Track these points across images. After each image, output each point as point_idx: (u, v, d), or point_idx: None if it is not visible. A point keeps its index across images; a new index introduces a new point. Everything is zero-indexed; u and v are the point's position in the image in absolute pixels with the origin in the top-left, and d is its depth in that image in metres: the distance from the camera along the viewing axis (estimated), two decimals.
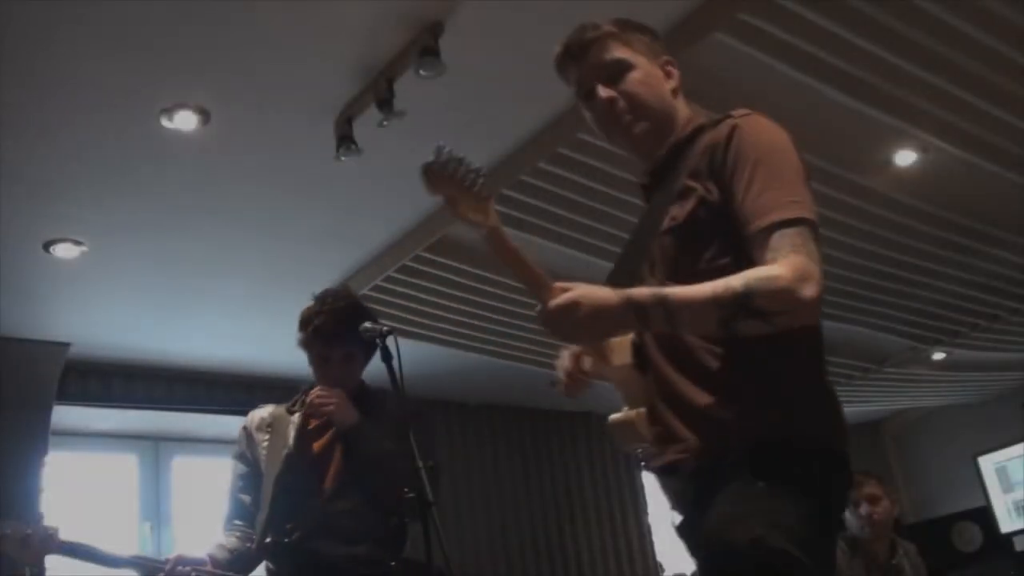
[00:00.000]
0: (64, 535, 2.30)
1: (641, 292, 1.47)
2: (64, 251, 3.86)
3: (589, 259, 4.21)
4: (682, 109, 1.69)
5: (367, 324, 2.48)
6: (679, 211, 1.58)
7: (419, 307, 4.59)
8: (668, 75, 1.70)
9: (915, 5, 2.84)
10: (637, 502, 7.02)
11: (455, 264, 4.23)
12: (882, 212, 4.04)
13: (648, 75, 1.67)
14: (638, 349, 1.67)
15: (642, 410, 1.69)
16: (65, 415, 4.77)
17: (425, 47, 2.80)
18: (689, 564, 6.13)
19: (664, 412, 1.59)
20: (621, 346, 1.71)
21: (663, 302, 1.44)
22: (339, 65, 2.96)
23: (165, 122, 3.10)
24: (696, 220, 1.55)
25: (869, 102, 3.23)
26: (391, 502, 2.38)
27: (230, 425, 5.49)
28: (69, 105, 2.98)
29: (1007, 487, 7.37)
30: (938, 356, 6.13)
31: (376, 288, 4.38)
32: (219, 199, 3.66)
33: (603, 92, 1.66)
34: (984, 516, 7.39)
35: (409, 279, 4.33)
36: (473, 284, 4.41)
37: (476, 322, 4.80)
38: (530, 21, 2.85)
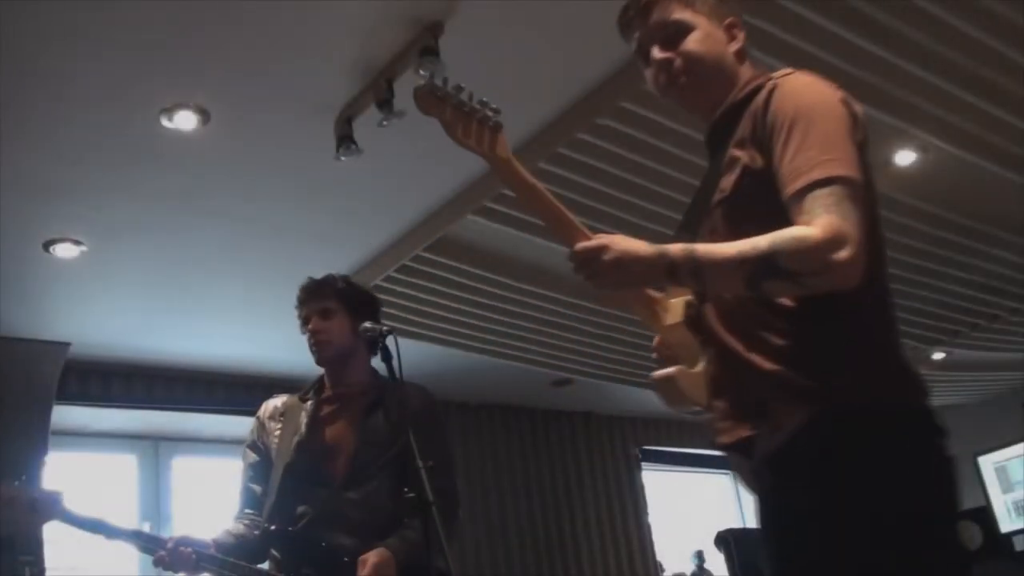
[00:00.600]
0: (68, 502, 2.30)
1: (674, 247, 1.45)
2: (64, 251, 3.86)
3: None
4: (745, 72, 1.63)
5: (367, 324, 2.49)
6: (726, 182, 1.55)
7: (419, 307, 4.59)
8: (732, 37, 1.65)
9: (915, 5, 2.84)
10: (637, 502, 7.02)
11: (455, 264, 4.23)
12: (882, 212, 4.04)
13: (708, 36, 1.63)
14: (693, 311, 1.62)
15: (685, 368, 1.64)
16: (65, 415, 4.77)
17: (425, 47, 2.80)
18: (688, 564, 6.11)
19: (729, 384, 1.54)
20: (673, 307, 1.66)
21: (692, 257, 1.42)
22: (339, 65, 2.96)
23: (165, 122, 3.10)
24: (742, 191, 1.52)
25: (869, 102, 3.21)
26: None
27: (230, 425, 5.50)
28: (69, 105, 2.98)
29: (1007, 487, 7.38)
30: (938, 356, 6.13)
31: (376, 288, 4.37)
32: (218, 199, 3.66)
33: (659, 54, 1.64)
34: (984, 516, 7.38)
35: (409, 279, 4.33)
36: (473, 284, 4.41)
37: (476, 322, 4.81)
38: (529, 20, 2.85)
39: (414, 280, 4.34)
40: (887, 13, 2.84)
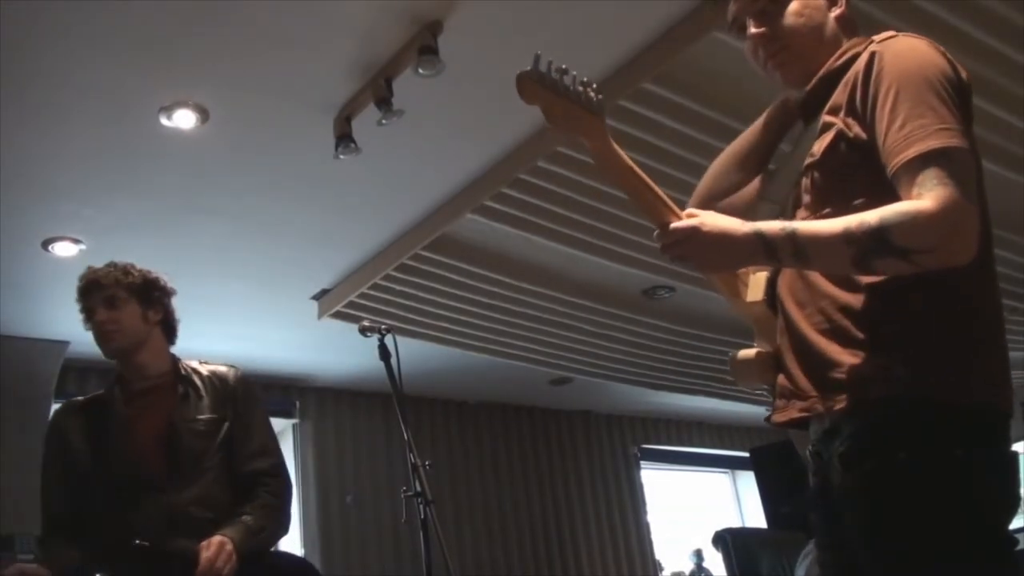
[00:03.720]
0: None
1: (771, 226, 1.39)
2: (63, 249, 3.86)
3: (588, 257, 4.21)
4: (848, 36, 1.56)
5: (366, 322, 2.49)
6: (818, 147, 1.47)
7: (418, 305, 4.59)
8: (834, 2, 1.58)
9: (915, 5, 2.84)
10: (636, 500, 7.03)
11: (454, 263, 4.23)
12: None
13: (806, 6, 1.55)
14: (773, 287, 1.58)
15: (763, 350, 1.59)
16: None
17: (424, 46, 2.80)
18: (687, 563, 6.10)
19: (791, 364, 1.49)
20: (755, 282, 1.62)
21: (792, 237, 1.35)
22: (338, 64, 2.95)
23: (164, 120, 3.10)
24: (834, 156, 1.44)
25: None
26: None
27: None
28: (68, 104, 2.97)
29: None
30: None
31: (375, 286, 4.38)
32: (217, 197, 3.66)
33: (754, 28, 1.58)
34: None
35: (408, 277, 4.33)
36: (472, 282, 4.41)
37: (475, 320, 4.80)
38: (529, 19, 2.85)
39: (413, 279, 4.34)
40: (887, 13, 2.84)
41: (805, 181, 1.50)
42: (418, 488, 2.35)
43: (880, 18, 2.86)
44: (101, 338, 2.36)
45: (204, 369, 2.46)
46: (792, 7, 1.56)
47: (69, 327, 4.56)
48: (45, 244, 3.80)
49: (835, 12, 1.57)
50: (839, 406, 1.40)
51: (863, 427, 1.37)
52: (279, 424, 5.45)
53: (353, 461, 5.82)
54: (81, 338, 4.61)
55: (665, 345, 5.44)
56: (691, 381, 6.13)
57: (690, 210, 1.48)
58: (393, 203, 3.85)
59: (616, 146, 1.57)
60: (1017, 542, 1.38)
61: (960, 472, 1.31)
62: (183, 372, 2.40)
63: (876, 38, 1.48)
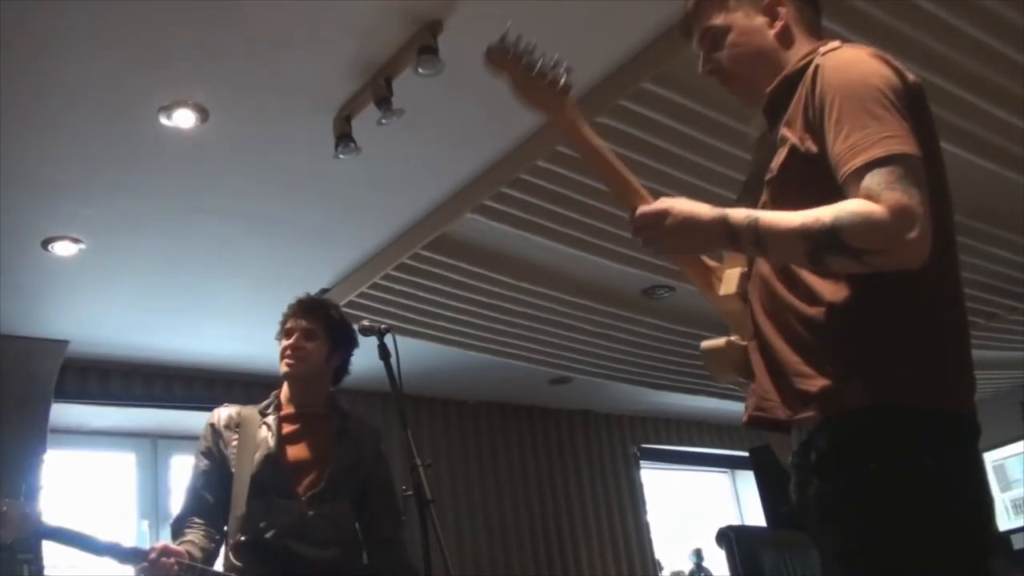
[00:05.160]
0: (48, 519, 2.30)
1: (737, 213, 1.43)
2: (62, 249, 3.86)
3: (589, 257, 4.21)
4: (799, 48, 1.59)
5: (366, 322, 2.50)
6: (775, 162, 1.52)
7: (418, 305, 4.59)
8: (773, 17, 1.62)
9: (915, 5, 2.83)
10: (636, 500, 7.02)
11: (454, 262, 4.23)
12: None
13: (742, 33, 1.62)
14: (746, 283, 1.62)
15: (733, 339, 1.64)
16: (63, 413, 4.77)
17: (424, 45, 2.80)
18: (686, 562, 6.10)
19: (759, 367, 1.54)
20: (729, 277, 1.66)
21: (754, 226, 1.41)
22: (338, 63, 2.95)
23: (163, 120, 3.10)
24: (788, 171, 1.49)
25: None
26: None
27: None
28: (67, 103, 2.97)
29: (1005, 485, 7.38)
30: None
31: (375, 286, 4.38)
32: (217, 197, 3.65)
33: (703, 65, 1.68)
34: None
35: (408, 277, 4.33)
36: (472, 282, 4.41)
37: (475, 320, 4.80)
38: (529, 19, 2.85)
39: (413, 278, 4.34)
40: (887, 13, 2.84)
41: (765, 196, 1.53)
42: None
43: (880, 18, 2.86)
44: (289, 365, 2.66)
45: (358, 419, 2.81)
46: (729, 38, 1.63)
47: (69, 326, 4.58)
48: (45, 243, 3.80)
49: (775, 29, 1.61)
50: (808, 418, 1.43)
51: (833, 440, 1.40)
52: None
53: None
54: (80, 337, 4.65)
55: (665, 345, 5.44)
56: (691, 381, 6.13)
57: (664, 197, 1.52)
58: (393, 202, 3.85)
59: (584, 127, 1.60)
60: (994, 547, 1.39)
61: (929, 481, 1.33)
62: (341, 407, 2.74)
63: (822, 49, 1.52)
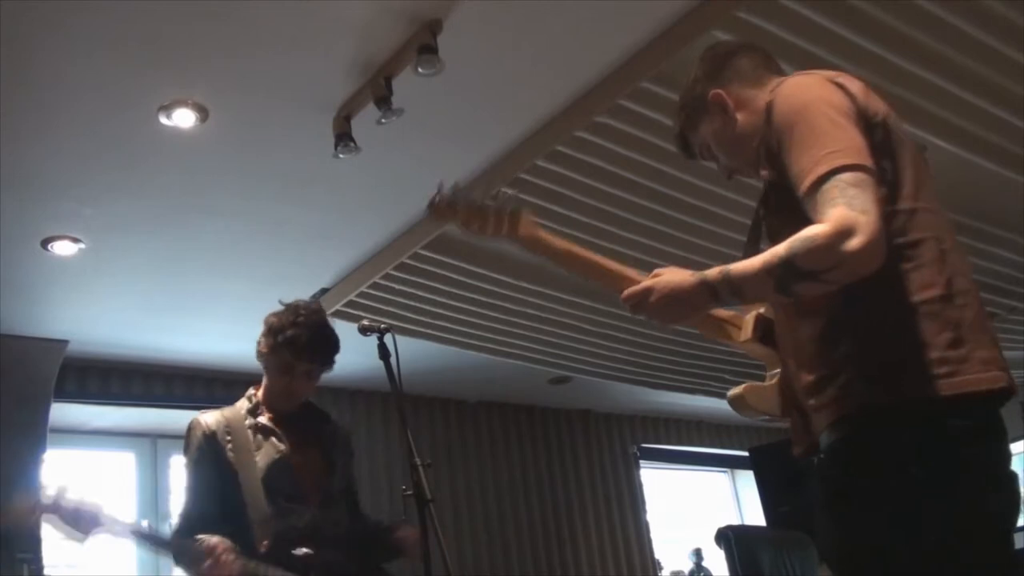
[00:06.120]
0: (107, 511, 2.35)
1: (712, 271, 1.52)
2: (62, 248, 3.85)
3: None
4: (754, 115, 1.67)
5: (365, 322, 2.51)
6: (763, 206, 1.63)
7: (417, 304, 4.59)
8: (721, 108, 1.72)
9: (915, 5, 2.83)
10: (636, 499, 7.02)
11: (453, 262, 4.23)
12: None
13: (716, 137, 1.75)
14: (762, 325, 1.71)
15: (754, 384, 1.74)
16: (63, 412, 4.77)
17: (423, 45, 2.80)
18: (686, 562, 6.11)
19: (791, 398, 1.62)
20: (746, 322, 1.75)
21: (727, 277, 1.49)
22: (337, 63, 2.95)
23: (163, 119, 3.10)
24: (773, 207, 1.58)
25: None
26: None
27: None
28: (67, 102, 2.97)
29: None
30: None
31: (374, 286, 4.38)
32: (217, 196, 3.65)
33: (723, 174, 1.83)
34: None
35: (407, 276, 4.33)
36: (471, 281, 4.41)
37: (474, 319, 4.80)
38: (528, 19, 2.85)
39: (412, 278, 4.34)
40: (887, 13, 2.84)
41: (765, 235, 1.63)
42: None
43: (880, 18, 2.86)
44: (291, 398, 2.66)
45: (324, 414, 2.82)
46: (714, 149, 1.76)
47: (68, 326, 4.58)
48: (44, 243, 3.80)
49: (728, 113, 1.71)
50: (820, 429, 1.52)
51: (832, 446, 1.48)
52: None
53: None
54: (80, 337, 4.65)
55: (665, 345, 5.44)
56: (691, 381, 6.13)
57: (658, 270, 1.63)
58: (392, 202, 3.84)
59: (546, 237, 1.73)
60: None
61: (918, 485, 1.37)
62: (315, 405, 2.76)
63: (771, 87, 1.61)
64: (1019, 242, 4.45)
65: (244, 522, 2.46)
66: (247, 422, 2.61)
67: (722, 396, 7.09)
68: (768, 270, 1.43)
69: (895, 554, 1.36)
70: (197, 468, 2.58)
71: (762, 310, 1.72)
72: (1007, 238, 4.40)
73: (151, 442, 5.43)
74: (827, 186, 1.39)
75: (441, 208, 1.69)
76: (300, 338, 2.57)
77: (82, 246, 3.86)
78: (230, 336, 4.95)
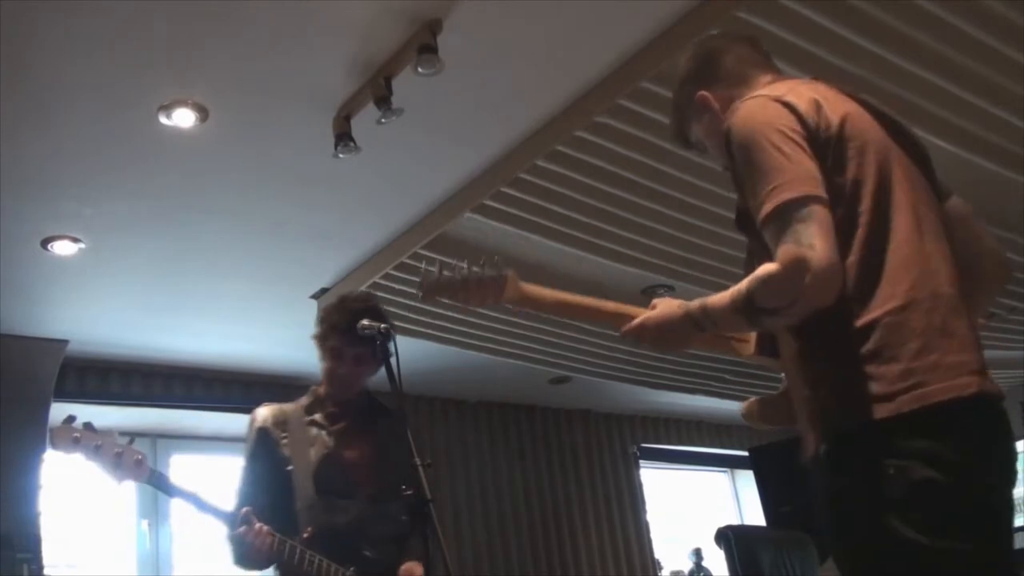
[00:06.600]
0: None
1: (693, 304, 1.58)
2: (62, 248, 3.85)
3: (588, 256, 4.21)
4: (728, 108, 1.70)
5: (365, 321, 2.50)
6: (740, 228, 1.66)
7: (417, 304, 4.59)
8: (708, 110, 1.75)
9: (915, 5, 2.83)
10: (635, 499, 7.02)
11: (453, 262, 4.22)
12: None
13: (708, 136, 1.77)
14: (768, 337, 1.75)
15: (764, 397, 1.80)
16: (63, 412, 4.75)
17: (423, 45, 2.79)
18: (686, 562, 6.12)
19: (795, 406, 1.65)
20: (752, 337, 1.80)
21: (704, 310, 1.56)
22: (337, 62, 2.95)
23: (163, 119, 3.09)
24: (744, 227, 1.61)
25: None
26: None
27: (228, 422, 5.49)
28: (67, 102, 2.97)
29: None
30: None
31: (374, 286, 4.37)
32: (216, 196, 3.65)
33: (722, 167, 1.80)
34: None
35: (407, 276, 4.32)
36: None
37: (474, 319, 4.80)
38: (528, 18, 2.85)
39: (412, 278, 4.33)
40: (887, 13, 2.84)
41: (750, 256, 1.64)
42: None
43: (880, 18, 2.86)
44: (345, 384, 2.68)
45: (386, 408, 2.81)
46: (708, 147, 1.80)
47: (68, 325, 4.58)
48: (44, 243, 3.79)
49: (713, 110, 1.74)
50: (812, 438, 1.55)
51: (821, 454, 1.49)
52: None
53: None
54: (80, 337, 4.65)
55: None
56: (691, 380, 6.13)
57: (655, 301, 1.70)
58: (392, 202, 3.85)
59: (537, 292, 1.79)
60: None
61: (888, 499, 1.37)
62: (375, 400, 2.77)
63: (732, 108, 1.62)
64: (1019, 242, 4.44)
65: (292, 514, 2.53)
66: (305, 417, 2.67)
67: (722, 396, 7.14)
68: (735, 307, 1.48)
69: (886, 555, 1.38)
70: (249, 462, 2.65)
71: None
72: (1007, 238, 4.40)
73: (151, 442, 5.42)
74: (775, 224, 1.42)
75: (430, 291, 1.78)
76: (342, 322, 2.61)
77: (82, 246, 3.86)
78: (230, 336, 4.95)
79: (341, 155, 3.17)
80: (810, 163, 1.46)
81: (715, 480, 8.13)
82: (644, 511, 7.02)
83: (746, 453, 7.31)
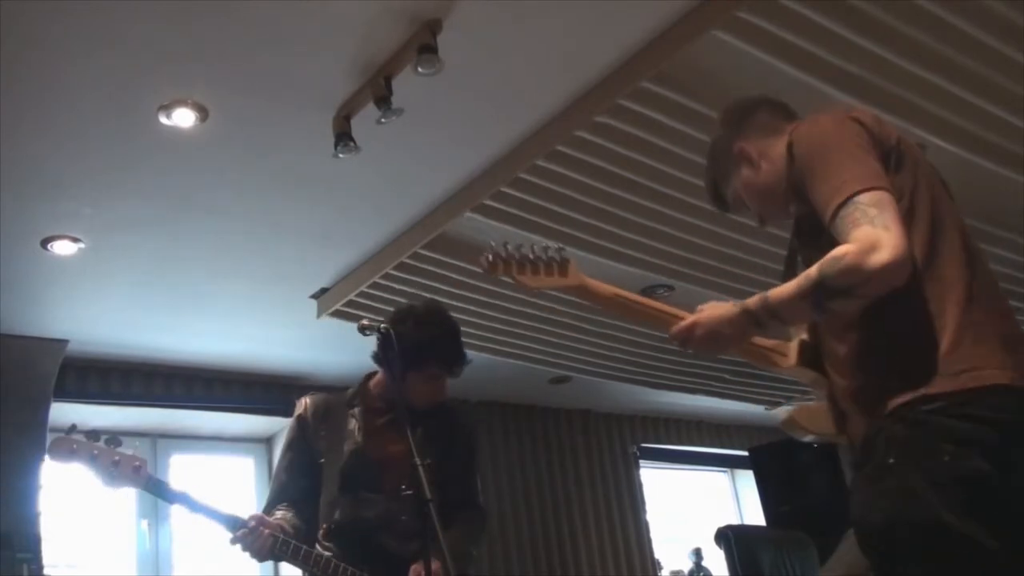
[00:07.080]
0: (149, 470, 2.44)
1: (751, 300, 1.64)
2: (62, 248, 3.85)
3: (588, 256, 4.21)
4: (776, 161, 1.77)
5: (365, 321, 2.49)
6: (796, 239, 1.76)
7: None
8: (746, 160, 1.83)
9: (915, 5, 2.83)
10: (635, 499, 7.02)
11: (453, 261, 4.23)
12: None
13: (746, 188, 1.85)
14: (808, 349, 1.81)
15: (805, 405, 1.87)
16: (63, 412, 4.76)
17: (423, 44, 2.80)
18: (686, 562, 6.11)
19: (840, 413, 1.71)
20: (791, 348, 1.85)
21: (766, 303, 1.61)
22: (337, 62, 2.95)
23: (163, 119, 3.10)
24: (803, 235, 1.70)
25: (869, 102, 3.22)
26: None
27: (228, 422, 5.51)
28: (67, 102, 2.97)
29: None
30: None
31: (375, 285, 4.38)
32: (216, 196, 3.65)
33: (757, 223, 1.95)
34: None
35: (407, 276, 4.32)
36: (471, 281, 4.41)
37: (474, 319, 4.80)
38: (528, 18, 2.85)
39: (412, 278, 4.34)
40: (887, 13, 2.83)
41: (801, 265, 1.71)
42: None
43: (880, 18, 2.86)
44: (431, 399, 2.69)
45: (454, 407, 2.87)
46: (746, 199, 1.87)
47: (68, 325, 4.58)
48: (44, 243, 3.80)
49: (758, 167, 1.82)
50: (859, 428, 1.63)
51: (869, 437, 1.57)
52: (279, 423, 5.45)
53: None
54: (80, 336, 4.65)
55: (665, 345, 5.44)
56: (691, 380, 6.13)
57: (701, 306, 1.75)
58: (392, 202, 3.85)
59: (596, 286, 1.82)
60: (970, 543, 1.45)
61: (952, 461, 1.44)
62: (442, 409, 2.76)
63: (789, 128, 1.75)
64: (1019, 242, 4.44)
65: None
66: (348, 409, 2.69)
67: (722, 396, 7.15)
68: (802, 294, 1.54)
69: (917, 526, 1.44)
70: (286, 450, 2.69)
71: (804, 336, 1.83)
72: (1007, 238, 4.40)
73: (151, 442, 5.43)
74: (847, 210, 1.51)
75: (494, 265, 1.78)
76: (452, 350, 2.66)
77: (82, 246, 3.86)
78: (230, 336, 4.95)
79: (341, 155, 3.17)
80: (877, 164, 1.58)
81: (715, 480, 8.13)
82: (644, 511, 7.02)
83: (746, 453, 7.31)
